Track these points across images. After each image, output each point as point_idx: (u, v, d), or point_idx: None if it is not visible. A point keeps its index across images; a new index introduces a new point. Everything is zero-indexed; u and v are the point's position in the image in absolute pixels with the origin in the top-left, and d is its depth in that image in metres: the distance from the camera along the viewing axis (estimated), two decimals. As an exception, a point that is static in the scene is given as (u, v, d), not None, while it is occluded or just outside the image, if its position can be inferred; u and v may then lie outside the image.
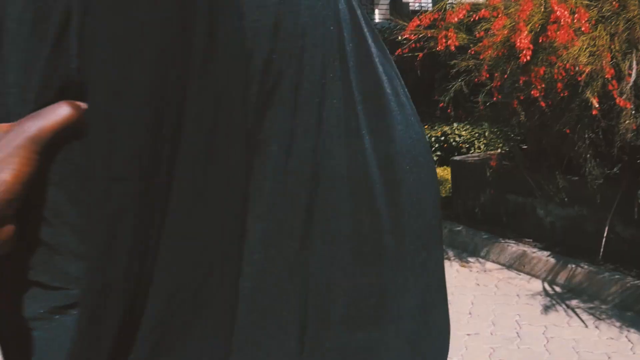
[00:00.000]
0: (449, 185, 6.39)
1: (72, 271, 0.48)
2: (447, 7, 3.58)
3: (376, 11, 22.89)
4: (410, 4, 22.91)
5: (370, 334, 0.57)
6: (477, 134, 7.02)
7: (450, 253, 4.59)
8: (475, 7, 3.48)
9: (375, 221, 0.57)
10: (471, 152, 6.88)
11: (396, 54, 3.84)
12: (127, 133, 0.46)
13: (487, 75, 3.30)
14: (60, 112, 0.45)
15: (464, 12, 3.31)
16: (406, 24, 3.76)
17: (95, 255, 0.46)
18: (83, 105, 0.46)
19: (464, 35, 3.87)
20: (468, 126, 7.04)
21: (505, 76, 3.28)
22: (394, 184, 0.59)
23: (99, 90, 0.46)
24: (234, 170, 0.50)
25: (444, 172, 7.17)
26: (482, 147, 6.80)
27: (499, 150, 4.45)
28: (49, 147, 0.46)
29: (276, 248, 0.53)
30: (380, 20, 20.89)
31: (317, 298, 0.54)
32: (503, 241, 4.39)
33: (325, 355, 0.55)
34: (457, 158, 5.19)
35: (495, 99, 3.35)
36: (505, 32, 3.13)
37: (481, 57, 3.35)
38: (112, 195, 0.46)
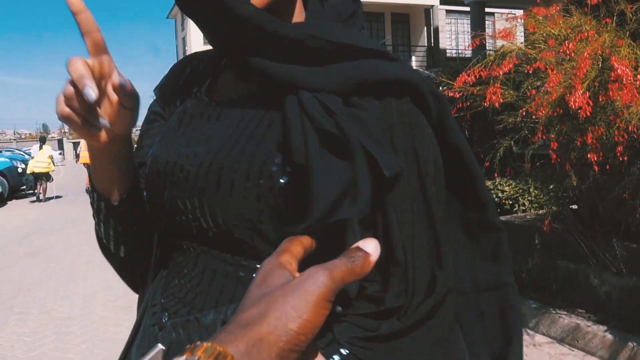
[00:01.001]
0: (492, 244, 6.06)
1: None
2: (493, 61, 3.36)
3: (413, 58, 23.01)
4: (448, 50, 22.97)
5: None
6: (521, 190, 6.70)
7: (495, 322, 4.26)
8: (526, 60, 3.26)
9: None
10: (515, 209, 6.55)
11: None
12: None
13: (544, 137, 3.05)
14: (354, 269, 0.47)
15: (511, 65, 3.09)
16: (452, 82, 3.56)
17: None
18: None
19: (512, 92, 3.65)
20: (511, 181, 6.73)
21: (562, 138, 3.03)
22: None
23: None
24: None
25: (485, 229, 6.84)
26: (526, 204, 6.47)
27: (548, 210, 4.14)
28: None
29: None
30: (417, 68, 20.97)
31: None
32: (554, 312, 4.05)
33: None
34: (502, 218, 4.88)
35: (553, 161, 3.09)
36: (561, 89, 2.89)
37: (534, 117, 3.12)
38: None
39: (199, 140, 0.73)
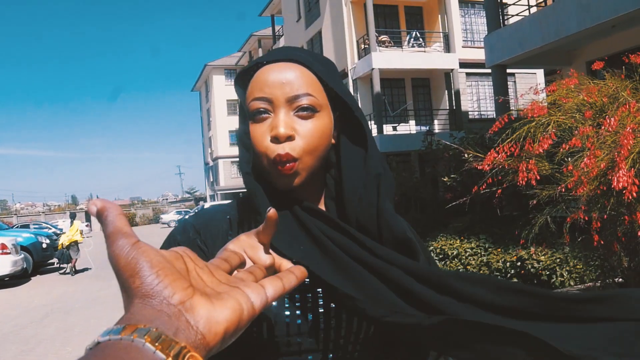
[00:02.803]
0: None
1: None
2: (525, 136, 3.14)
3: (435, 121, 22.94)
4: (470, 112, 22.88)
5: None
6: (558, 260, 6.32)
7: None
8: (560, 130, 3.02)
9: None
10: (553, 280, 6.17)
11: (473, 191, 3.40)
12: None
13: (586, 217, 2.78)
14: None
15: (549, 142, 2.85)
16: (483, 155, 3.33)
17: None
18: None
19: (547, 165, 3.41)
20: (547, 250, 6.37)
21: (605, 216, 2.76)
22: None
23: None
24: None
25: (522, 303, 6.40)
26: (565, 274, 6.09)
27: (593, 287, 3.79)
28: None
29: None
30: (439, 131, 20.85)
31: None
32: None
33: None
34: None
35: (595, 243, 2.80)
36: (602, 165, 2.64)
37: (574, 193, 2.86)
38: None
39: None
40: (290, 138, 0.94)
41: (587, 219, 2.78)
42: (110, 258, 0.48)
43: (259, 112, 0.96)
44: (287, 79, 0.96)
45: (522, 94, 3.39)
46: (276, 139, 0.93)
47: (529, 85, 3.98)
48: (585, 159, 2.61)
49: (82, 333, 7.73)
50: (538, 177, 3.02)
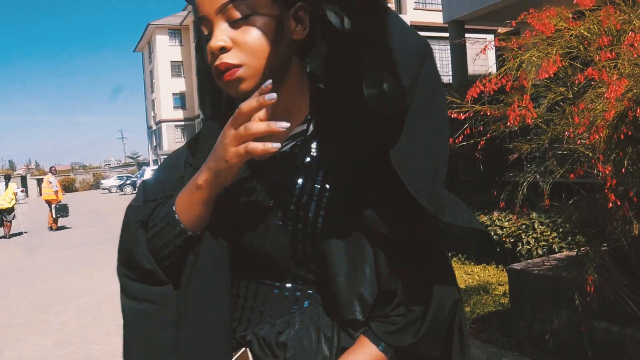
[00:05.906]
0: (496, 292, 5.16)
1: None
2: (519, 67, 2.50)
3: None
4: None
5: None
6: (524, 226, 5.83)
7: (520, 403, 3.34)
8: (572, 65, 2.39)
9: None
10: (518, 248, 5.68)
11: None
12: None
13: (605, 171, 2.17)
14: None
15: (555, 68, 2.22)
16: (459, 101, 2.66)
17: None
18: None
19: (535, 110, 2.80)
20: (511, 215, 5.86)
21: (623, 170, 2.18)
22: None
23: None
24: None
25: (483, 273, 5.96)
26: (532, 242, 5.60)
27: (589, 263, 3.19)
28: None
29: None
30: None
31: None
32: (596, 390, 3.15)
33: None
34: (516, 266, 3.96)
35: (611, 205, 2.20)
36: (625, 103, 2.03)
37: (583, 141, 2.25)
38: None
39: None
40: (224, 49, 0.91)
41: (605, 171, 2.16)
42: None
43: (205, 33, 0.95)
44: None
45: (477, 54, 2.83)
46: (213, 54, 0.92)
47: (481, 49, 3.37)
48: (608, 92, 2.00)
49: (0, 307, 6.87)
50: (535, 115, 2.40)
